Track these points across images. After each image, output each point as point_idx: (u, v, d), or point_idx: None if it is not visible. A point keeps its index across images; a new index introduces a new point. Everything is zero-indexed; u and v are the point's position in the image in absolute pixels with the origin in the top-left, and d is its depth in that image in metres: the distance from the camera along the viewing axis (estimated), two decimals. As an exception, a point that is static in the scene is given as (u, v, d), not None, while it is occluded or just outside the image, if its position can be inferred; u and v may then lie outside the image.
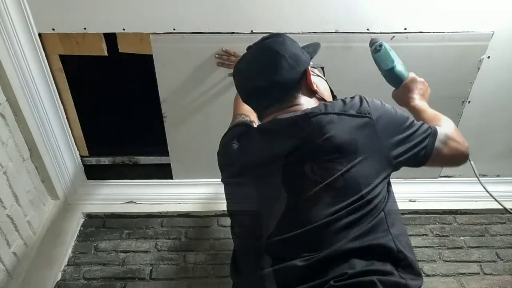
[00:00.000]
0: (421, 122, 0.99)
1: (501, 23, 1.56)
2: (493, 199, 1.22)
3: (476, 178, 1.17)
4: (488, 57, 1.64)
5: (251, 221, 0.98)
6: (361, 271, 0.81)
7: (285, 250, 0.88)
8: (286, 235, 0.88)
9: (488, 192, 1.15)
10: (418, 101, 1.16)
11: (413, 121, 0.97)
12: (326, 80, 1.15)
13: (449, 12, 1.53)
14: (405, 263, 0.86)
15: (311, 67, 1.08)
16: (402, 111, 0.98)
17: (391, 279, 0.82)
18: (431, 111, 1.12)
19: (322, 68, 1.19)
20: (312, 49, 1.13)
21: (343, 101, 0.96)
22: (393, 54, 1.27)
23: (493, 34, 1.58)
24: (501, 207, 1.23)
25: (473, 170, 1.16)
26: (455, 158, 1.02)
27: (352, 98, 0.96)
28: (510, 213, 1.14)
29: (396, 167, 0.94)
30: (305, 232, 0.86)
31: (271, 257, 0.88)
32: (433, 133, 0.96)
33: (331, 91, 1.14)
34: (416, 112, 1.14)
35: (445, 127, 1.02)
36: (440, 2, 1.51)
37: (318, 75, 1.12)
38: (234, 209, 1.06)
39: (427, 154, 0.95)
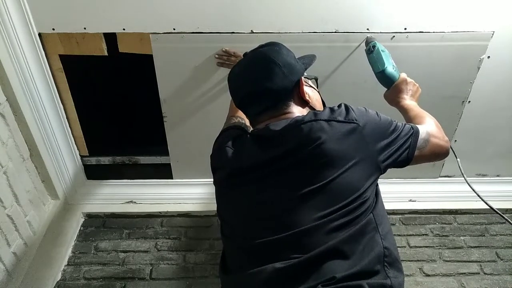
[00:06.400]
0: (404, 123, 1.02)
1: (501, 23, 1.56)
2: (493, 199, 1.23)
3: (475, 178, 1.18)
4: (488, 57, 1.64)
5: (241, 223, 0.98)
6: (349, 274, 0.81)
7: (272, 252, 0.88)
8: (274, 237, 0.88)
9: (475, 192, 1.18)
10: (408, 101, 1.22)
11: (396, 124, 1.00)
12: (318, 92, 1.16)
13: (449, 12, 1.53)
14: (390, 260, 0.89)
15: (305, 77, 1.10)
16: (384, 114, 1.01)
17: (379, 282, 0.84)
18: (418, 110, 1.17)
19: (316, 80, 1.22)
20: (308, 60, 1.15)
21: (331, 109, 0.98)
22: (385, 56, 1.28)
23: (493, 34, 1.58)
24: (501, 207, 1.24)
25: (459, 169, 1.21)
26: (437, 154, 1.06)
27: (339, 106, 0.98)
28: (498, 213, 1.15)
29: (383, 171, 0.97)
30: (294, 234, 0.87)
31: (258, 259, 0.89)
32: (415, 133, 1.00)
33: (323, 102, 1.16)
34: (404, 111, 1.20)
35: (427, 124, 1.07)
36: (440, 2, 1.51)
37: (311, 86, 1.14)
38: (224, 211, 1.06)
39: (410, 154, 0.99)
